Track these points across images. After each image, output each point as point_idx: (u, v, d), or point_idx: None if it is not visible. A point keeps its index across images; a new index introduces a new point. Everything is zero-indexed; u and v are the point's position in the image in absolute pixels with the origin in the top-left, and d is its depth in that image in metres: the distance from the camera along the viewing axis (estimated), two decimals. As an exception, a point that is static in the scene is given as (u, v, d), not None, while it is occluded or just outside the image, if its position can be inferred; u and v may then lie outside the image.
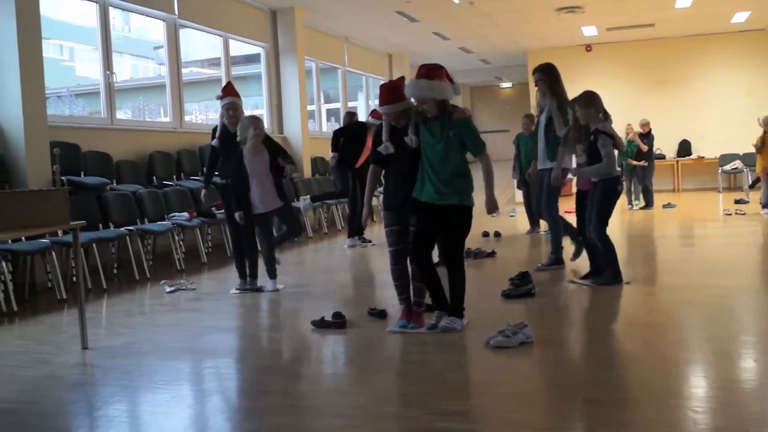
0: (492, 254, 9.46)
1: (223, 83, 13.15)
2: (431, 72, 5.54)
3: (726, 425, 3.76)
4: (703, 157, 19.63)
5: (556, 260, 8.32)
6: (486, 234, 11.59)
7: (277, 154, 7.82)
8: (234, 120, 7.89)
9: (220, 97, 8.12)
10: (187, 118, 12.85)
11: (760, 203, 13.26)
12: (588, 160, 7.18)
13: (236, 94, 8.10)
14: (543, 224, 11.93)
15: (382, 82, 6.93)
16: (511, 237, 11.58)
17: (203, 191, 8.53)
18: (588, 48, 20.71)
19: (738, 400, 4.10)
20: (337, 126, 16.42)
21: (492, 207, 5.80)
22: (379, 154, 5.81)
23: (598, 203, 7.17)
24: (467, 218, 5.70)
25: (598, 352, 5.30)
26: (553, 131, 8.01)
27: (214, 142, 7.99)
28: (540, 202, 8.61)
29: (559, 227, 8.35)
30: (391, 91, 5.68)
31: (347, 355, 5.57)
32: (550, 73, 8.14)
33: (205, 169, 8.76)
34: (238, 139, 7.60)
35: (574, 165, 7.89)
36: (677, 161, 19.81)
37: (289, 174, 7.88)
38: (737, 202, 15.25)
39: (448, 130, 5.54)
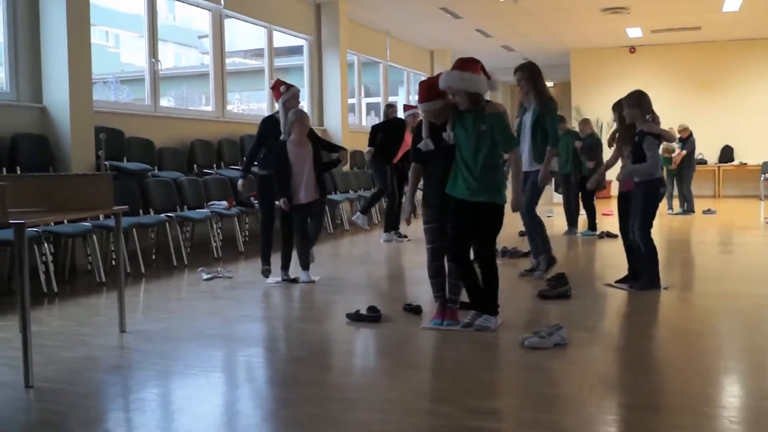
0: (528, 254, 9.40)
1: (266, 74, 13.30)
2: (465, 64, 5.54)
3: (761, 435, 3.73)
4: (745, 164, 19.36)
5: (549, 261, 8.14)
6: (523, 233, 11.50)
7: (322, 146, 7.89)
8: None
9: (284, 91, 8.07)
10: (228, 107, 12.95)
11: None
12: (633, 161, 7.12)
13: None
14: (581, 225, 11.88)
15: (422, 79, 6.91)
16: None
17: (240, 180, 8.58)
18: (632, 50, 20.52)
19: (772, 411, 4.07)
20: (377, 120, 16.45)
21: (518, 205, 5.78)
22: (419, 151, 5.82)
23: (641, 205, 7.11)
24: (498, 215, 5.67)
25: (632, 357, 5.26)
26: (541, 132, 7.86)
27: (283, 136, 7.91)
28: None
29: (539, 228, 8.12)
30: (429, 88, 5.67)
31: (381, 349, 5.59)
32: (533, 72, 7.98)
33: (245, 158, 8.81)
34: (282, 130, 7.67)
35: (556, 168, 7.83)
36: (719, 167, 19.56)
37: (343, 158, 7.97)
38: (779, 210, 15.08)
39: (481, 124, 5.52)
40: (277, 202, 7.71)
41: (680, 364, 5.05)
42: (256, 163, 8.20)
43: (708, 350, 5.36)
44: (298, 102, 8.09)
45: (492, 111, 5.59)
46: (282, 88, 8.01)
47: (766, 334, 5.78)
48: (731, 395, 4.43)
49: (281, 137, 7.75)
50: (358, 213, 11.37)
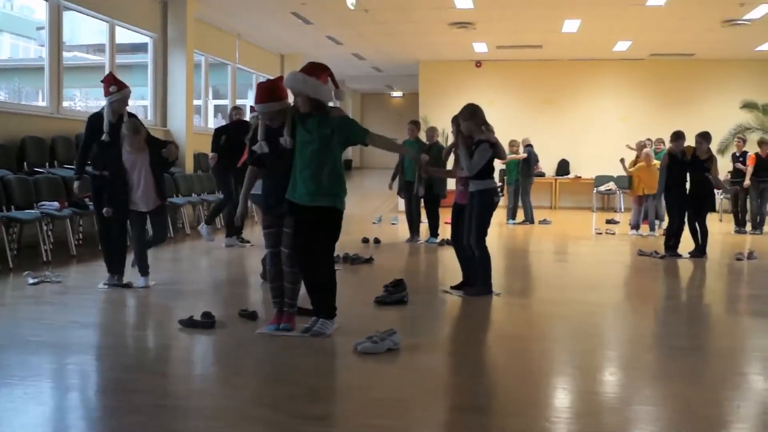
0: (369, 261, 9.51)
1: (107, 71, 12.81)
2: (313, 69, 5.53)
3: (577, 436, 3.90)
4: (580, 177, 20.29)
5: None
6: (366, 240, 11.64)
7: (157, 148, 7.68)
8: (117, 110, 7.74)
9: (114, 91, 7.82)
10: (66, 104, 12.41)
11: (629, 224, 13.81)
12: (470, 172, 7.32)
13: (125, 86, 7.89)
14: (423, 233, 12.10)
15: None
16: (391, 244, 11.67)
17: (76, 183, 8.23)
18: (478, 64, 21.10)
19: (593, 410, 4.26)
20: (224, 123, 16.17)
21: (424, 164, 5.86)
22: (254, 153, 5.75)
23: (477, 214, 7.31)
24: (337, 222, 5.68)
25: (463, 361, 5.40)
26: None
27: (104, 137, 7.68)
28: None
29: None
30: (268, 91, 5.63)
31: (213, 356, 5.49)
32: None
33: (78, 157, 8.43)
34: (105, 129, 7.45)
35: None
36: (556, 179, 20.41)
37: (171, 155, 7.73)
38: (608, 222, 15.84)
39: (325, 128, 5.50)
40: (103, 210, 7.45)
41: (508, 368, 5.22)
42: (90, 164, 7.89)
43: (535, 354, 5.56)
44: (127, 104, 7.85)
45: (337, 115, 5.61)
46: (112, 88, 7.73)
47: (590, 339, 6.06)
48: (554, 396, 4.62)
49: (102, 137, 7.54)
50: (203, 224, 11.15)
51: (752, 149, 14.76)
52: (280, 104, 5.61)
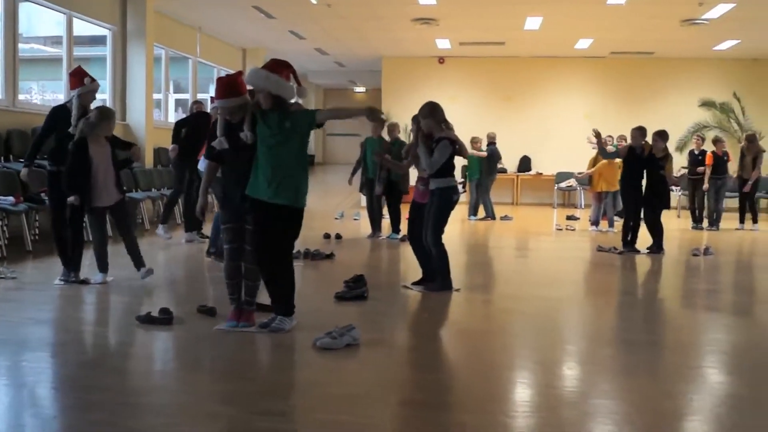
0: (330, 256, 9.48)
1: (65, 63, 12.65)
2: (275, 66, 5.50)
3: (535, 428, 3.93)
4: (541, 174, 20.44)
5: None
6: (327, 236, 11.62)
7: (116, 144, 7.62)
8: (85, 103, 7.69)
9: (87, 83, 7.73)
10: (22, 96, 12.21)
11: (589, 220, 13.93)
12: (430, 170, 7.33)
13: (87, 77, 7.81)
14: (384, 229, 12.11)
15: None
16: (352, 240, 11.66)
17: (24, 170, 8.12)
18: (441, 60, 21.14)
19: (552, 404, 4.30)
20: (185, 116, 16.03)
21: (371, 113, 5.78)
22: (214, 149, 5.71)
23: (435, 211, 7.32)
24: (297, 219, 5.66)
25: (423, 356, 5.41)
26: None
27: (72, 129, 7.56)
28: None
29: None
30: (228, 86, 5.59)
31: (172, 352, 5.46)
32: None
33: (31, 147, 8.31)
34: (79, 127, 7.31)
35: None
36: (517, 176, 20.53)
37: (135, 156, 7.71)
38: (569, 218, 15.98)
39: (285, 121, 5.48)
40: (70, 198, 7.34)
41: (468, 363, 5.25)
42: (46, 156, 7.77)
43: (495, 350, 5.59)
44: (95, 98, 7.78)
45: (296, 108, 5.59)
46: (86, 80, 7.67)
47: (551, 335, 6.11)
48: (512, 391, 4.65)
49: (70, 129, 7.41)
50: (160, 225, 11.04)
51: (710, 147, 14.96)
52: (240, 99, 5.57)
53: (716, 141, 14.59)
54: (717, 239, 12.73)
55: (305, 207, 5.68)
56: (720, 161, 14.26)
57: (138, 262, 7.66)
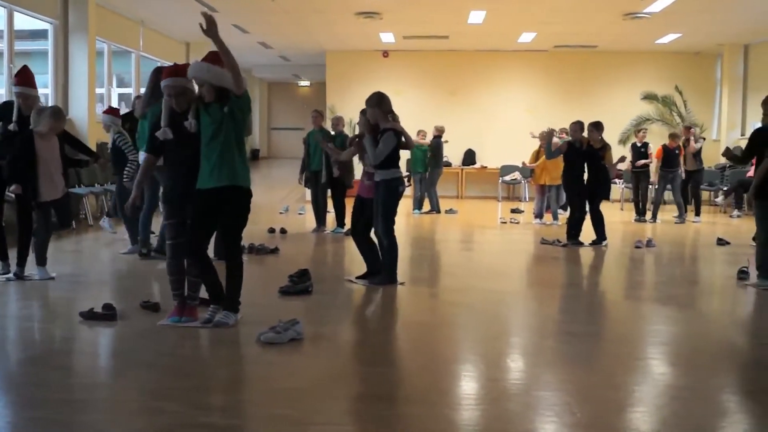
0: (275, 251, 9.46)
1: (5, 58, 12.40)
2: (216, 58, 5.49)
3: (479, 421, 3.98)
4: (486, 167, 20.59)
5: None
6: (272, 230, 11.57)
7: (72, 144, 7.58)
8: (25, 107, 7.61)
9: (15, 83, 7.78)
10: (-41, 91, 11.94)
11: (533, 213, 14.10)
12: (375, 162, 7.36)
13: (28, 83, 7.70)
14: (329, 223, 12.11)
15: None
16: (297, 234, 11.64)
17: None
18: (385, 54, 21.16)
19: (495, 396, 4.36)
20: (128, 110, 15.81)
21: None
22: (156, 140, 5.65)
23: (382, 203, 7.35)
24: (243, 202, 5.63)
25: (368, 350, 5.44)
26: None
27: (12, 126, 7.50)
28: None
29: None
30: (173, 70, 5.66)
31: (113, 348, 5.41)
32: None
33: None
34: (31, 126, 7.27)
35: None
36: (462, 169, 20.66)
37: (102, 168, 7.72)
38: (513, 211, 16.13)
39: (223, 107, 5.47)
40: (8, 191, 7.23)
41: (412, 356, 5.29)
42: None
43: (439, 342, 5.65)
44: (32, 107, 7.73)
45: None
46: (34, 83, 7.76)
47: (495, 327, 6.17)
48: (456, 384, 4.70)
49: (10, 126, 7.34)
50: (104, 217, 10.89)
51: (651, 140, 15.24)
52: (185, 80, 5.58)
53: (673, 136, 14.79)
54: (660, 231, 12.98)
55: (250, 192, 5.67)
56: (670, 154, 14.51)
57: (42, 259, 7.58)
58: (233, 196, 5.56)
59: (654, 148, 14.81)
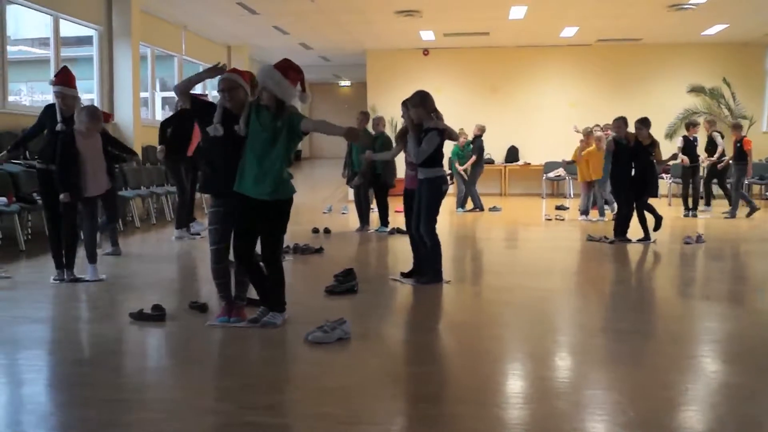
0: (320, 251, 9.49)
1: (52, 64, 12.62)
2: (287, 69, 5.54)
3: (528, 419, 3.95)
4: (529, 164, 20.46)
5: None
6: (316, 230, 11.63)
7: (112, 144, 7.75)
8: (65, 107, 7.75)
9: (53, 83, 7.92)
10: (11, 98, 12.18)
11: (579, 210, 13.97)
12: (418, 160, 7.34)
13: (66, 83, 7.83)
14: (373, 222, 12.12)
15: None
16: (341, 234, 11.67)
17: (5, 152, 8.56)
18: (425, 52, 21.14)
19: (543, 395, 4.31)
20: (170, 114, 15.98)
21: (349, 133, 5.50)
22: (207, 134, 5.70)
23: (425, 202, 7.34)
24: (284, 212, 5.68)
25: (415, 349, 5.43)
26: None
27: (59, 127, 7.67)
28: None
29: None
30: (232, 69, 5.81)
31: (165, 349, 5.47)
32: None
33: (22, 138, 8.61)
34: (75, 126, 7.44)
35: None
36: (505, 166, 20.55)
37: (134, 162, 7.92)
38: (558, 208, 16.01)
39: (277, 121, 5.51)
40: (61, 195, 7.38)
41: (459, 355, 5.27)
42: (37, 157, 7.82)
43: (486, 341, 5.61)
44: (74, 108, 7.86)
45: (292, 110, 5.61)
46: (72, 83, 7.88)
47: (542, 325, 6.12)
48: (503, 383, 4.66)
49: (57, 126, 7.54)
50: (175, 230, 10.96)
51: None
52: (239, 77, 5.67)
53: (691, 125, 14.60)
54: (709, 226, 12.78)
55: (291, 200, 5.71)
56: (690, 144, 14.40)
57: (93, 255, 7.74)
58: (277, 207, 5.61)
59: (702, 142, 14.63)
